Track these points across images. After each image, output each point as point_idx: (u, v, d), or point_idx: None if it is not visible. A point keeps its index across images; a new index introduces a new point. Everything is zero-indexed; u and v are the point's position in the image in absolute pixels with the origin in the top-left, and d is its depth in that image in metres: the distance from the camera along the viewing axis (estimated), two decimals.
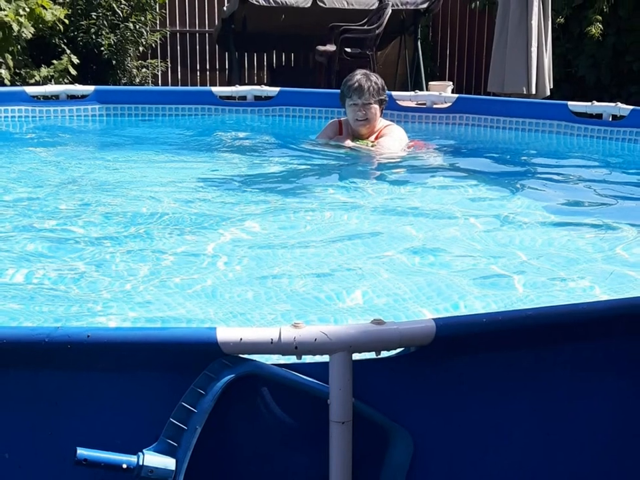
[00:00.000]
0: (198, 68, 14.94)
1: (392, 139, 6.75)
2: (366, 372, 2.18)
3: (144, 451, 2.06)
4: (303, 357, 2.14)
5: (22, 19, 10.29)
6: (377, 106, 6.68)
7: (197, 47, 14.89)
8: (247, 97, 8.60)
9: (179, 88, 13.17)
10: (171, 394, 2.11)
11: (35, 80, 10.60)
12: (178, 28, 14.64)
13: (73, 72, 11.04)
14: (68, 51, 11.35)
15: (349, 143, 6.73)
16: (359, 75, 6.69)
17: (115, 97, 8.65)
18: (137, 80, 12.91)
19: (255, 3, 11.52)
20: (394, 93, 8.35)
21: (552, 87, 10.99)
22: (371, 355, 2.19)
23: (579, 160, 7.07)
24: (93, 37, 11.86)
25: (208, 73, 14.94)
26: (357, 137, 6.77)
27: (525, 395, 2.33)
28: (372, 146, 6.71)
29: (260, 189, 5.84)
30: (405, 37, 13.55)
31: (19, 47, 10.64)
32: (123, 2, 12.19)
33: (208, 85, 14.27)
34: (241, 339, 2.10)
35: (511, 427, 2.34)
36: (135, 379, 2.17)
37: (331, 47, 11.72)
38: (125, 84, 12.42)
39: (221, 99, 8.56)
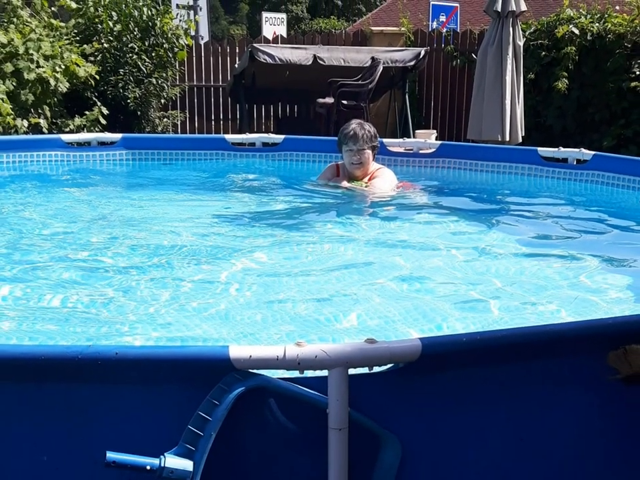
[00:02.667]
0: (212, 118, 14.94)
1: (383, 181, 6.76)
2: (360, 385, 2.19)
3: (165, 454, 2.07)
4: (305, 371, 2.16)
5: (58, 75, 10.32)
6: (369, 151, 6.68)
7: (212, 99, 14.90)
8: (255, 144, 8.61)
9: (196, 135, 13.18)
10: (189, 404, 2.12)
11: (70, 128, 10.61)
12: (195, 83, 14.67)
13: (103, 121, 11.05)
14: (98, 103, 11.36)
15: (345, 184, 6.73)
16: (354, 124, 6.70)
17: (140, 143, 8.65)
18: (159, 128, 12.93)
19: (263, 61, 11.54)
20: (385, 140, 8.36)
21: (524, 134, 11.02)
22: (365, 370, 2.20)
23: (547, 199, 7.07)
24: (121, 90, 11.88)
25: (221, 122, 14.95)
26: (352, 179, 6.78)
27: (501, 405, 2.34)
28: (365, 186, 6.71)
29: (267, 224, 5.84)
30: (394, 90, 13.57)
31: (55, 99, 10.66)
32: (147, 60, 12.22)
33: (221, 132, 14.30)
34: (251, 356, 2.11)
35: (488, 433, 2.34)
36: (157, 391, 2.18)
37: (329, 100, 11.74)
38: (148, 132, 12.43)
39: (233, 145, 8.56)
